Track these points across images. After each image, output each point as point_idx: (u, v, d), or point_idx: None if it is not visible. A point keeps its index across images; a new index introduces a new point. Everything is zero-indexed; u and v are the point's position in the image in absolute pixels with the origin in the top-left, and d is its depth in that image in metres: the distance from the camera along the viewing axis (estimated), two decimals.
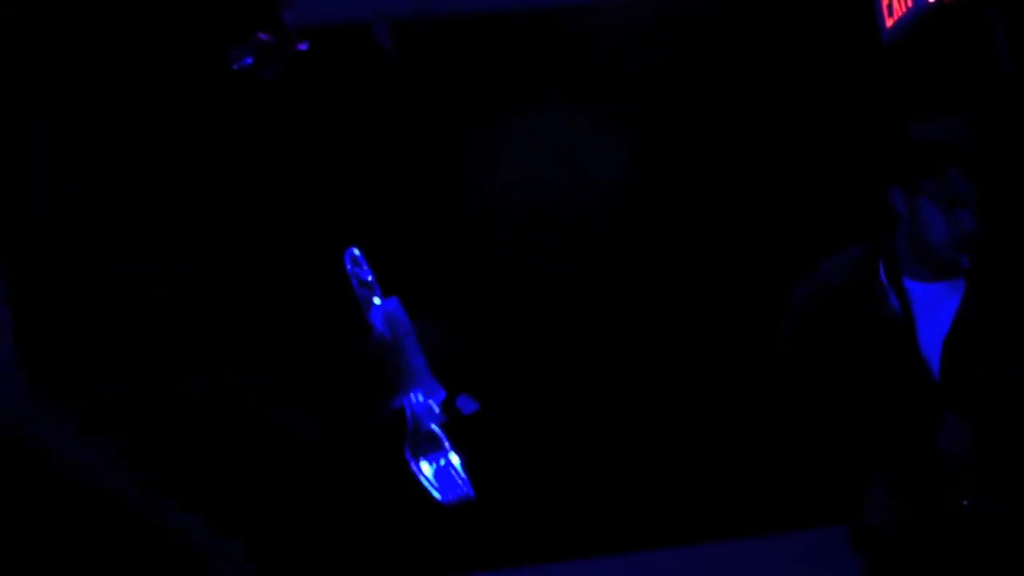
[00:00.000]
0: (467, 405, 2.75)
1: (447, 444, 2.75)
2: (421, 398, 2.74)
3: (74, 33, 1.70)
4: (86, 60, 1.71)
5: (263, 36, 1.96)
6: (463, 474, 2.75)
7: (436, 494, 2.74)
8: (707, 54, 4.01)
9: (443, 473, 2.74)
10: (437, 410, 2.76)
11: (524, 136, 3.93)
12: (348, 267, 2.74)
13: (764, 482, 3.38)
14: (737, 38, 4.01)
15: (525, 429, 3.58)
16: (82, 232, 1.71)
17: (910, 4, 3.60)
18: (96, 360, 1.73)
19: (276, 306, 2.33)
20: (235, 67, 1.96)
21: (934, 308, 3.19)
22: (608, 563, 2.63)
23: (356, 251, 2.76)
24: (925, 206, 3.15)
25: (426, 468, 2.73)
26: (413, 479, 2.74)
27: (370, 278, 2.76)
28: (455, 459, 2.75)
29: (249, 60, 1.97)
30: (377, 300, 2.74)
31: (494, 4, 3.48)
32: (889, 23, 3.67)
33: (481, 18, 3.66)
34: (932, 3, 3.61)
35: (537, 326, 3.85)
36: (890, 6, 3.68)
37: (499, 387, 3.26)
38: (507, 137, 3.92)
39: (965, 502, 2.94)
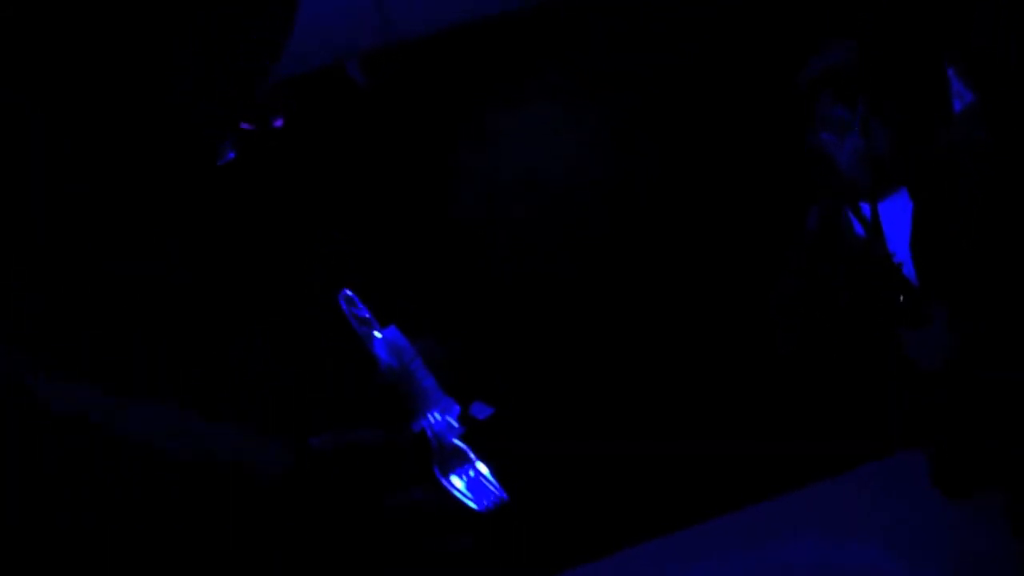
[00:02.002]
0: (481, 411, 2.83)
1: (472, 455, 2.82)
2: (439, 416, 2.81)
3: (74, 34, 1.76)
4: (87, 61, 1.77)
5: (245, 126, 2.03)
6: (493, 480, 2.81)
7: (471, 504, 2.80)
8: (705, 51, 4.13)
9: (475, 483, 2.80)
10: (456, 424, 2.83)
11: (515, 141, 4.02)
12: (344, 308, 2.83)
13: (796, 437, 3.40)
14: (736, 35, 4.13)
15: (543, 425, 3.61)
16: (82, 232, 1.76)
17: None
18: (96, 360, 1.76)
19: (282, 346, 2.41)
20: (220, 163, 2.05)
21: (895, 221, 3.32)
22: (660, 544, 2.66)
23: (348, 292, 2.85)
24: (825, 138, 3.33)
25: (457, 482, 2.79)
26: (448, 496, 2.79)
27: (367, 314, 2.85)
28: (483, 468, 2.81)
29: (232, 154, 2.06)
30: (377, 333, 2.83)
31: (463, 16, 3.61)
32: None
33: (454, 33, 3.77)
34: None
35: (540, 326, 3.90)
36: None
37: (510, 389, 3.32)
38: (498, 144, 4.01)
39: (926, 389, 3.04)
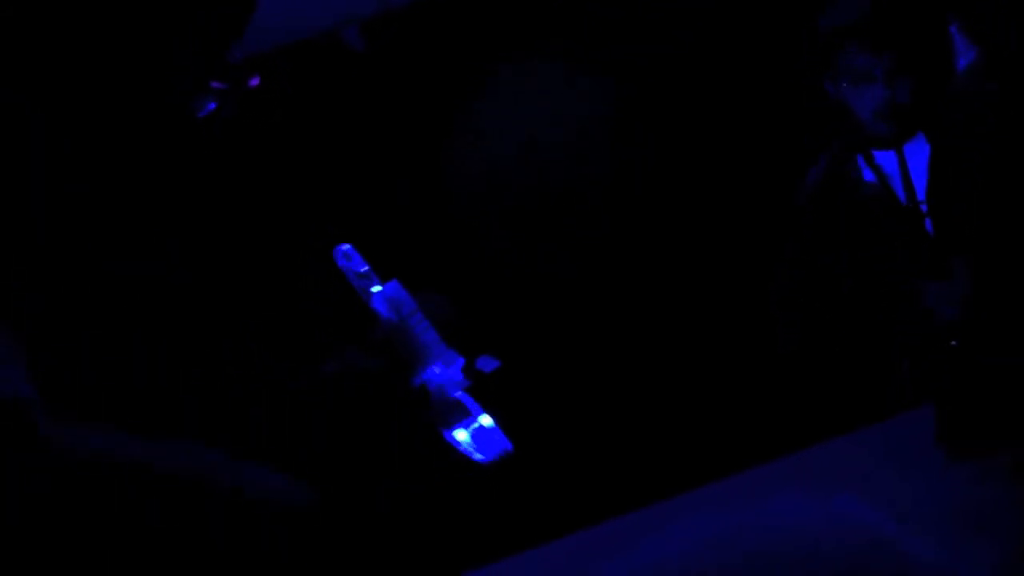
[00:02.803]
0: (488, 364, 2.81)
1: (476, 408, 2.81)
2: (440, 369, 2.79)
3: (74, 34, 1.72)
4: (87, 61, 1.73)
5: (216, 84, 1.99)
6: (498, 431, 2.80)
7: (477, 456, 2.80)
8: (700, 41, 4.08)
9: (479, 435, 2.80)
10: (459, 377, 2.81)
11: (509, 128, 3.98)
12: (341, 263, 2.80)
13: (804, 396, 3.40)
14: (731, 25, 4.09)
15: (548, 378, 3.62)
16: (82, 232, 1.74)
17: None
18: (96, 360, 1.74)
19: (281, 303, 2.38)
20: (201, 115, 2.01)
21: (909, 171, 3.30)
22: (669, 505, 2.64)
23: (345, 247, 2.82)
24: (845, 88, 3.30)
25: (461, 435, 2.79)
26: (451, 450, 2.79)
27: (365, 269, 2.82)
28: (487, 420, 2.80)
29: (213, 105, 2.01)
30: (377, 288, 2.80)
31: None
32: None
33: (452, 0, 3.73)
34: None
35: (539, 298, 3.90)
36: None
37: (513, 343, 3.31)
38: (496, 114, 3.97)
39: (953, 343, 3.03)
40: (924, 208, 3.27)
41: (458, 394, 2.80)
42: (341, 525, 1.92)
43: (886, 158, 3.35)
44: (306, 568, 1.82)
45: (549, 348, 3.80)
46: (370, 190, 3.72)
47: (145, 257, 1.79)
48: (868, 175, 3.34)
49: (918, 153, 3.32)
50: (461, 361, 2.81)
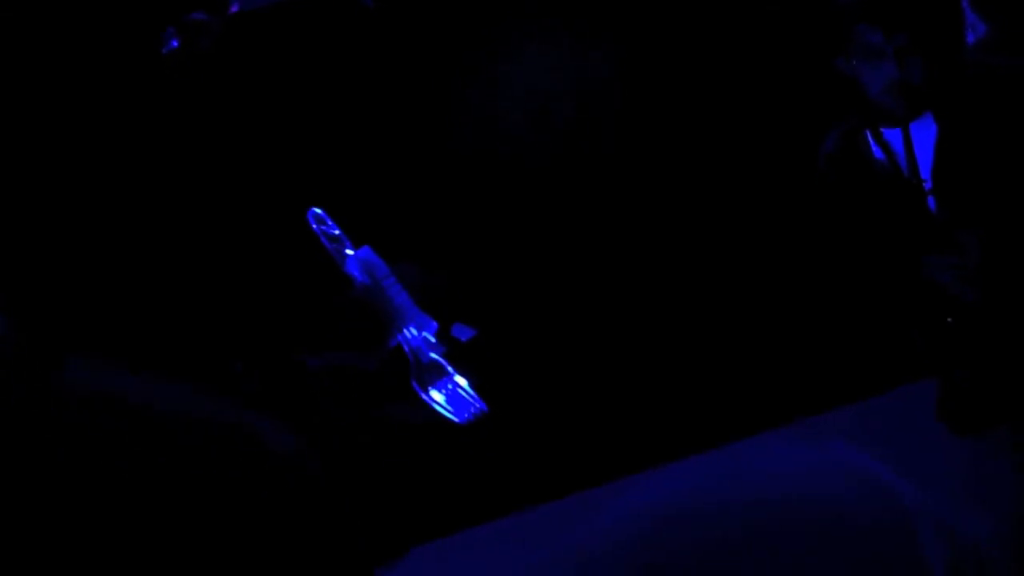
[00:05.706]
0: (464, 332, 2.84)
1: (451, 369, 2.85)
2: (415, 332, 2.83)
3: (73, 33, 1.70)
4: (85, 59, 1.72)
5: (197, 16, 1.96)
6: (473, 392, 2.85)
7: (452, 417, 2.85)
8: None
9: (454, 396, 2.85)
10: (433, 340, 2.85)
11: (512, 83, 3.94)
12: (313, 227, 2.82)
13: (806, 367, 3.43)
14: None
15: (527, 345, 3.64)
16: (82, 232, 1.74)
17: None
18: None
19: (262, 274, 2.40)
20: (164, 51, 1.98)
21: (917, 148, 3.33)
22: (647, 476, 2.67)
23: (317, 210, 2.83)
24: (857, 64, 3.32)
25: (436, 395, 2.84)
26: (428, 411, 2.84)
27: (337, 232, 2.84)
28: (462, 381, 2.85)
29: (175, 43, 1.99)
30: (349, 251, 2.82)
31: None
32: None
33: None
34: None
35: (534, 261, 3.89)
36: None
37: (493, 310, 3.33)
38: (495, 85, 3.93)
39: (949, 319, 3.08)
40: (928, 186, 3.30)
41: (433, 356, 2.84)
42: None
43: (895, 136, 3.39)
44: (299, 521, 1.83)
45: (552, 313, 3.81)
46: (373, 153, 3.69)
47: (145, 257, 1.79)
48: (877, 152, 3.38)
49: (925, 132, 3.35)
50: (435, 325, 2.85)
